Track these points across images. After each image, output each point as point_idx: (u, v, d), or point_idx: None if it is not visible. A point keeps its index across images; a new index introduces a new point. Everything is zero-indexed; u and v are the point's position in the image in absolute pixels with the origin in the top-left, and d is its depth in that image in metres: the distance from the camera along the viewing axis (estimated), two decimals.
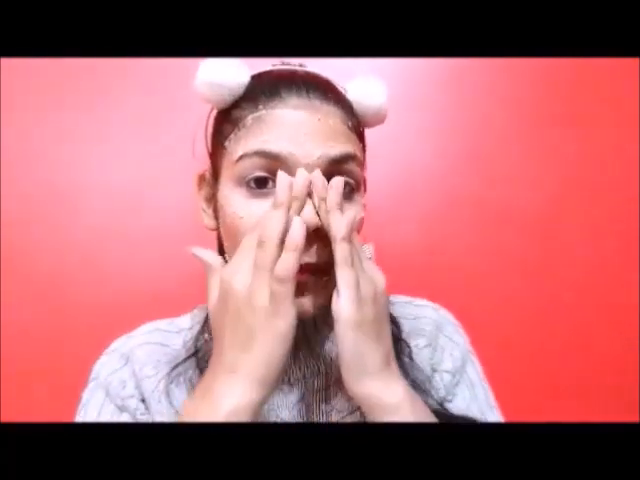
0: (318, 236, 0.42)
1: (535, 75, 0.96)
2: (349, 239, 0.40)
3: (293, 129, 0.43)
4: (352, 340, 0.39)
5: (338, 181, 0.42)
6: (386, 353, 0.42)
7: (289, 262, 0.38)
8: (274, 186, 0.43)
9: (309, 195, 0.42)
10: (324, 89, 0.46)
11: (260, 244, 0.39)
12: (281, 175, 0.41)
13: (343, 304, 0.39)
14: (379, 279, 0.42)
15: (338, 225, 0.40)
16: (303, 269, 0.41)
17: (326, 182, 0.42)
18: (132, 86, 0.93)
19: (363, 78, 0.50)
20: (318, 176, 0.42)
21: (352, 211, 0.42)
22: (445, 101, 0.96)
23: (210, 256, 0.44)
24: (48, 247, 0.89)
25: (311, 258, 0.42)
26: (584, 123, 0.97)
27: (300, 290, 0.42)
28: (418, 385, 0.50)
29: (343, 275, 0.40)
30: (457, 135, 0.96)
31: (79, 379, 0.51)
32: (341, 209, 0.41)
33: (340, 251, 0.40)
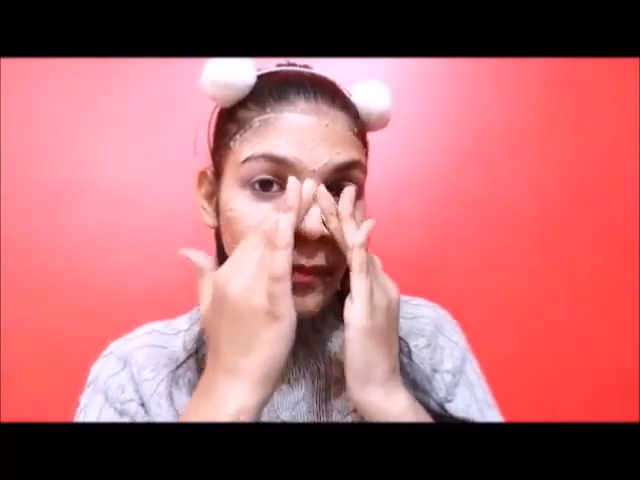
0: (323, 242, 0.43)
1: (535, 75, 0.96)
2: (365, 248, 0.41)
3: (301, 134, 0.43)
4: (362, 348, 0.39)
5: (350, 191, 0.43)
6: (393, 364, 0.42)
7: (283, 260, 0.38)
8: (279, 190, 0.43)
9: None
10: (331, 93, 0.46)
11: (271, 246, 0.39)
12: (292, 180, 0.42)
13: (356, 311, 0.39)
14: (392, 290, 0.43)
15: (354, 233, 0.41)
16: (310, 271, 0.42)
17: (331, 198, 0.43)
18: (132, 85, 0.93)
19: (366, 82, 0.50)
20: (324, 192, 0.42)
21: (370, 221, 0.43)
22: (445, 102, 0.96)
23: (201, 258, 0.44)
24: (48, 246, 0.89)
25: (318, 261, 0.43)
26: (584, 123, 0.97)
27: (306, 290, 0.43)
28: (417, 385, 0.50)
29: (358, 282, 0.40)
30: (457, 136, 0.96)
31: (79, 379, 0.51)
32: (353, 217, 0.42)
33: (357, 258, 0.40)
